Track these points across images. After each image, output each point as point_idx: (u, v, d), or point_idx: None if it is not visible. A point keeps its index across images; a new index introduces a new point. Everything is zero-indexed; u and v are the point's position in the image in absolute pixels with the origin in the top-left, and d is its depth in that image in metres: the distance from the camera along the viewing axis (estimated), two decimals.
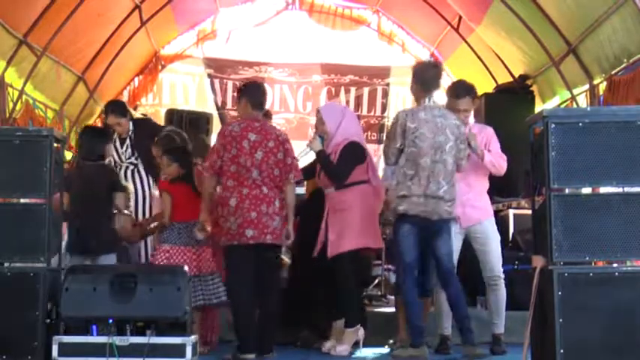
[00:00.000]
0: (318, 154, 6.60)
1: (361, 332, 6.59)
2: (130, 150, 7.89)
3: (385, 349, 6.89)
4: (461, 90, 6.66)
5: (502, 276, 6.59)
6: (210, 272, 6.49)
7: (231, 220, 6.17)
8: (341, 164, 6.57)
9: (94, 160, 6.71)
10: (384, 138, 6.80)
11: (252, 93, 6.50)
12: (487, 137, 6.67)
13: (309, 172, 6.82)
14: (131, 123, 7.97)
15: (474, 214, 6.55)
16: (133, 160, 7.90)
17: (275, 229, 6.19)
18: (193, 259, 6.36)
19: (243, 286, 6.21)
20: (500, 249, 6.65)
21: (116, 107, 8.06)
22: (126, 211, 6.86)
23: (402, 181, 6.14)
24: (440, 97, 6.46)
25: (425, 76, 6.31)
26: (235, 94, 12.81)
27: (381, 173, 7.50)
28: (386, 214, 7.10)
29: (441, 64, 6.48)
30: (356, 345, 6.63)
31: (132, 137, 7.92)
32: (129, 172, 7.87)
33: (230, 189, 6.20)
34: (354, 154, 6.65)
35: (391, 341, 7.04)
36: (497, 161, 6.56)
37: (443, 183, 6.11)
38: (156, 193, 7.44)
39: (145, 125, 8.23)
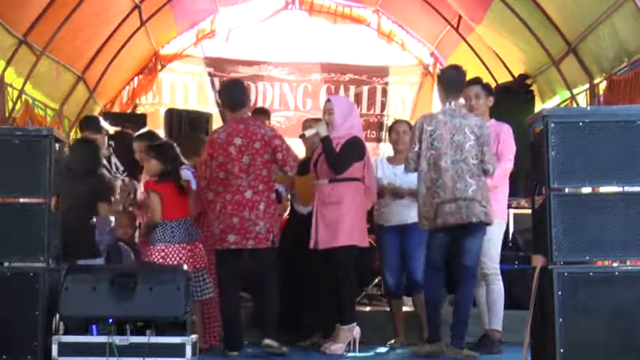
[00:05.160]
0: (324, 139, 6.59)
1: (357, 331, 6.56)
2: (118, 163, 7.94)
3: (383, 349, 6.90)
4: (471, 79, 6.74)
5: (489, 273, 6.54)
6: (203, 267, 6.48)
7: (215, 224, 6.31)
8: (344, 155, 6.58)
9: (84, 174, 6.63)
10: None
11: (225, 95, 6.62)
12: (499, 134, 6.63)
13: (300, 167, 6.78)
14: (107, 138, 8.03)
15: None
16: (124, 172, 7.96)
17: (258, 234, 6.23)
18: (189, 256, 6.36)
19: (229, 287, 6.37)
20: (494, 248, 6.60)
21: (90, 123, 8.08)
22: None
23: (430, 186, 6.16)
24: None
25: (444, 79, 6.40)
26: None
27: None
28: (377, 215, 7.12)
29: (462, 67, 6.46)
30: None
31: (115, 151, 7.99)
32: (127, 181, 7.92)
33: (218, 194, 6.31)
34: (357, 149, 6.67)
35: (392, 341, 7.05)
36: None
37: (471, 182, 6.10)
38: None
39: (122, 139, 8.28)
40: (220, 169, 6.29)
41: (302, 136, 6.85)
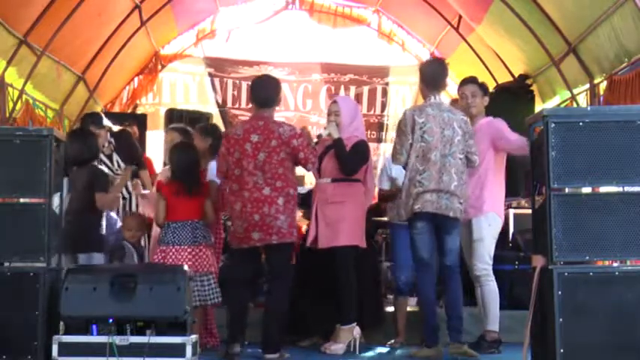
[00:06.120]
0: (337, 141, 6.60)
1: (357, 331, 6.55)
2: (120, 160, 7.98)
3: (384, 349, 6.90)
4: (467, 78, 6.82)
5: (480, 274, 6.53)
6: (207, 272, 6.43)
7: (238, 223, 6.24)
8: (356, 157, 6.61)
9: (79, 164, 6.63)
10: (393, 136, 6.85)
11: (253, 91, 6.54)
12: (499, 130, 6.66)
13: None
14: (108, 135, 8.06)
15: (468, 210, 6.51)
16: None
17: (280, 228, 6.17)
18: (189, 259, 6.32)
19: (241, 285, 6.31)
20: (484, 248, 6.58)
21: (95, 119, 8.07)
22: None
23: (413, 177, 6.16)
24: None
25: (429, 73, 6.38)
26: (235, 92, 13.09)
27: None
28: (392, 213, 7.11)
29: (445, 61, 6.53)
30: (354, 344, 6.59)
31: (115, 149, 8.06)
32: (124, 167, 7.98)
33: (235, 193, 6.26)
34: (365, 152, 6.71)
35: (392, 341, 7.05)
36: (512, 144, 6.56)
37: (455, 177, 6.12)
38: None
39: (122, 137, 8.33)
40: (236, 165, 6.24)
41: (319, 137, 6.85)
